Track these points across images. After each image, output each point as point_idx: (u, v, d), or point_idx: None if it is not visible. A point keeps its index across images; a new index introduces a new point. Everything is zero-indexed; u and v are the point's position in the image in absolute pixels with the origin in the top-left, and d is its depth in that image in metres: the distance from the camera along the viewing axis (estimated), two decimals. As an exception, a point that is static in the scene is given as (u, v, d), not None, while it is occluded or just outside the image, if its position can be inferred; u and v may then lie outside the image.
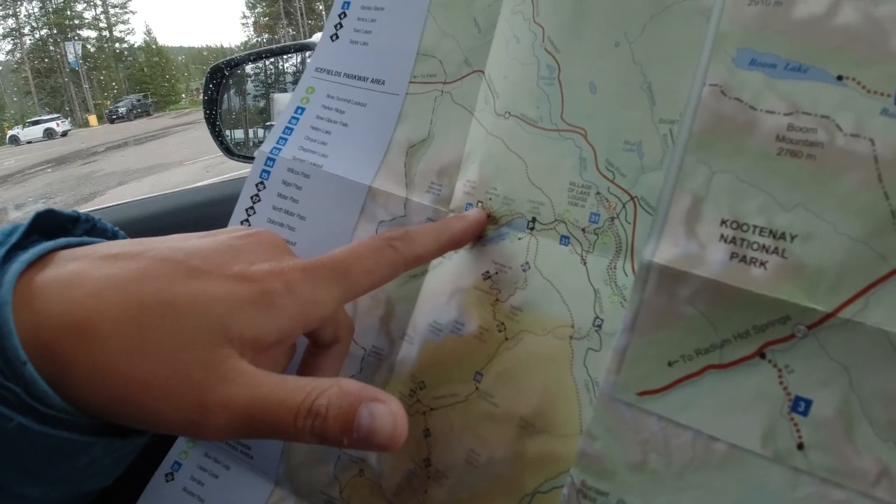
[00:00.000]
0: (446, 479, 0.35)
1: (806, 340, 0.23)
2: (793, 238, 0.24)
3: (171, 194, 0.82)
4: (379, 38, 0.44)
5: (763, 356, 0.24)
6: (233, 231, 0.30)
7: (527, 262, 0.34)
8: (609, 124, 0.33)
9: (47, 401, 0.23)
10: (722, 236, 0.25)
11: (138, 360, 0.23)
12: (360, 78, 0.44)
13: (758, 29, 0.26)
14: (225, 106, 1.00)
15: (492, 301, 0.35)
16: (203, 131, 0.96)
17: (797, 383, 0.24)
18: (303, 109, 0.45)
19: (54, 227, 0.29)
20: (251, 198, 0.43)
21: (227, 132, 1.01)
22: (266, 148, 0.44)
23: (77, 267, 0.25)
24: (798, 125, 0.24)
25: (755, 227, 0.24)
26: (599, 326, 0.31)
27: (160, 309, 0.24)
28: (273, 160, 0.44)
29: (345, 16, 0.45)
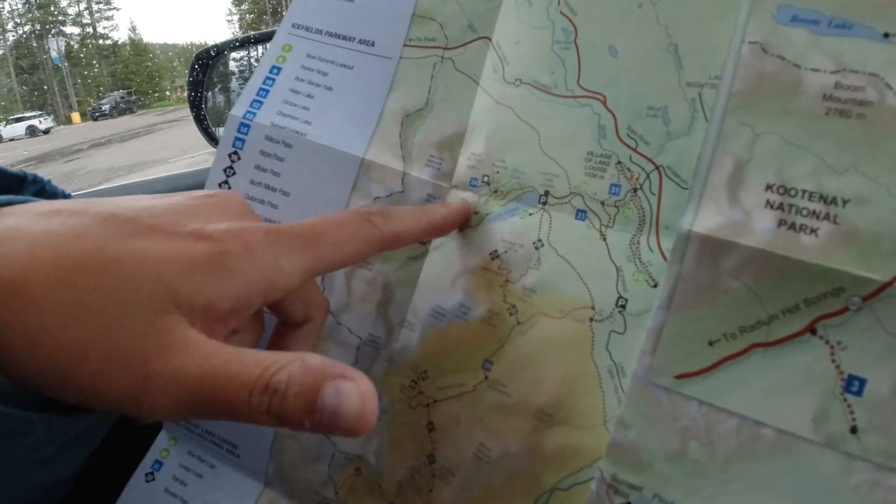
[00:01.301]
0: (453, 476, 0.32)
1: (861, 314, 0.21)
2: (845, 203, 0.21)
3: (154, 180, 0.80)
4: None
5: (814, 332, 0.22)
6: (192, 193, 0.27)
7: (540, 240, 0.32)
8: (631, 89, 0.30)
9: None
10: (768, 202, 0.23)
11: (74, 326, 0.21)
12: (345, 38, 0.40)
13: None
14: (210, 103, 0.98)
15: (501, 282, 0.33)
16: (187, 129, 0.94)
17: (850, 361, 0.21)
18: (279, 69, 0.40)
19: (0, 186, 0.26)
20: (224, 170, 0.39)
21: (213, 128, 0.98)
22: (238, 112, 0.40)
23: (13, 222, 0.22)
24: (846, 83, 0.22)
25: (804, 191, 0.22)
26: (623, 307, 0.29)
27: (100, 268, 0.21)
28: (248, 126, 0.39)
29: None
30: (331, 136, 0.38)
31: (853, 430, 0.21)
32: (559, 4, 0.33)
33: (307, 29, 0.41)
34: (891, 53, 0.22)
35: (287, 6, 0.47)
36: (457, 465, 0.32)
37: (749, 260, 0.23)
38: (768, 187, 0.23)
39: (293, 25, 0.41)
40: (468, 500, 0.32)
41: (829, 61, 0.23)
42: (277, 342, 0.32)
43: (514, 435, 0.30)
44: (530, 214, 0.33)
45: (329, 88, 0.39)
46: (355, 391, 0.21)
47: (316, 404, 0.20)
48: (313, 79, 0.39)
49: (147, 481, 0.41)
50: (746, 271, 0.23)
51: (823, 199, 0.22)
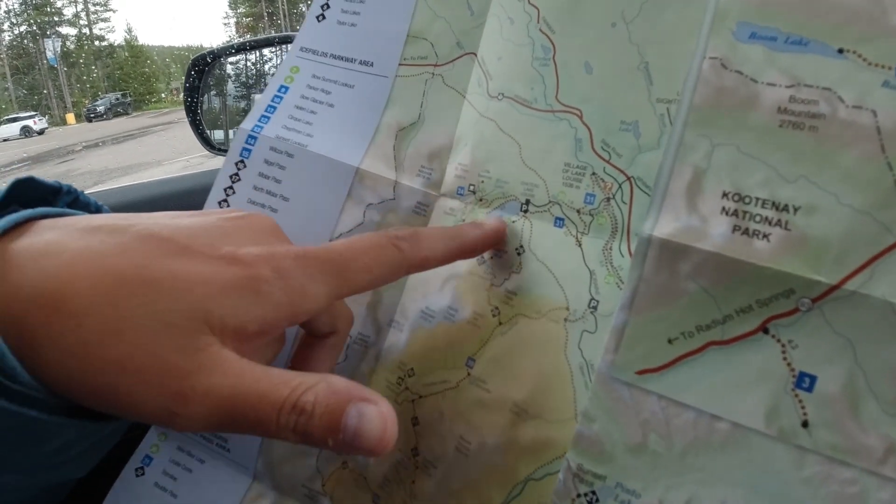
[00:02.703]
0: (435, 468, 0.34)
1: (810, 314, 0.23)
2: (796, 210, 0.23)
3: (155, 182, 0.81)
4: (367, 19, 0.42)
5: (766, 331, 0.24)
6: (225, 212, 0.28)
7: (521, 246, 0.34)
8: (605, 105, 0.32)
9: (16, 376, 0.21)
10: (724, 209, 0.24)
11: (114, 340, 0.22)
12: (347, 59, 0.42)
13: (758, 4, 0.25)
14: (206, 106, 0.99)
15: (486, 286, 0.34)
16: (182, 131, 0.94)
17: (801, 359, 0.23)
18: (286, 88, 0.43)
19: (35, 197, 0.28)
20: (230, 177, 0.42)
21: (209, 131, 0.99)
22: (247, 125, 0.42)
23: (54, 237, 0.23)
24: (800, 97, 0.24)
25: (757, 199, 0.24)
26: (595, 308, 0.30)
27: (139, 287, 0.22)
28: (255, 138, 0.42)
29: None
30: (330, 147, 0.40)
31: (804, 424, 0.23)
32: (538, 22, 0.35)
33: (314, 52, 0.43)
34: (844, 69, 0.23)
35: (283, 10, 0.48)
36: (439, 458, 0.34)
37: (705, 263, 0.24)
38: (724, 195, 0.24)
39: (301, 49, 0.44)
40: (448, 492, 0.33)
41: (784, 76, 0.24)
42: (303, 354, 0.33)
43: (491, 429, 0.32)
44: (513, 222, 0.34)
45: (331, 105, 0.42)
46: (377, 413, 0.22)
47: (340, 425, 0.22)
48: (317, 97, 0.42)
49: (137, 476, 0.42)
50: (703, 274, 0.24)
51: (776, 206, 0.24)
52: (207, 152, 1.01)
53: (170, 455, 0.43)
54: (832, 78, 0.24)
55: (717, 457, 0.24)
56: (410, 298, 0.38)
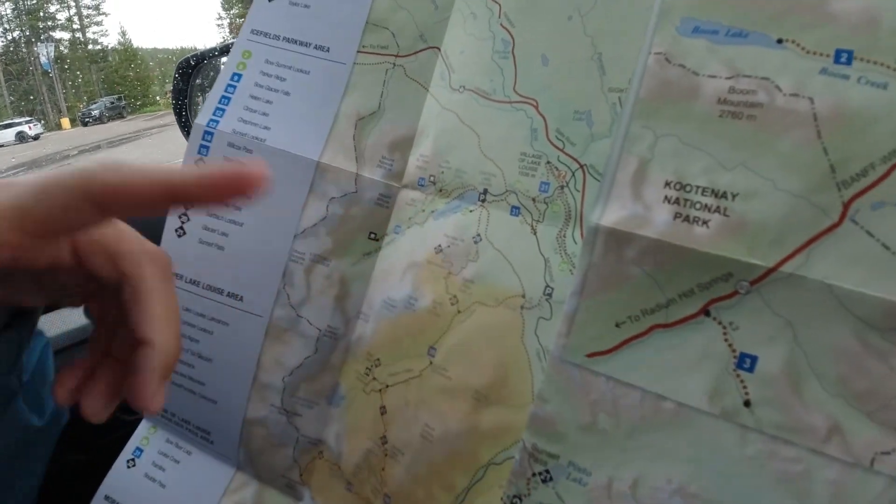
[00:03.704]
0: (402, 455, 0.35)
1: (749, 297, 0.23)
2: (734, 196, 0.24)
3: None
4: (322, 1, 0.42)
5: (707, 314, 0.24)
6: None
7: (478, 234, 0.34)
8: (560, 95, 0.33)
9: None
10: (666, 197, 0.25)
11: None
12: (301, 43, 0.42)
13: None
14: (200, 106, 0.99)
15: (444, 274, 0.35)
16: (177, 133, 0.94)
17: (742, 340, 0.24)
18: (239, 76, 0.42)
19: None
20: None
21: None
22: (202, 120, 0.42)
23: None
24: (739, 88, 0.25)
25: (698, 187, 0.24)
26: (550, 295, 0.31)
27: None
28: (211, 134, 0.42)
29: None
30: (288, 140, 0.40)
31: (747, 403, 0.24)
32: (499, 17, 0.36)
33: (265, 35, 0.43)
34: (783, 58, 0.24)
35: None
36: (406, 445, 0.34)
37: (648, 249, 0.25)
38: (667, 184, 0.25)
39: (252, 31, 0.43)
40: (415, 478, 0.34)
41: (725, 68, 0.25)
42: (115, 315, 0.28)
43: (454, 415, 0.33)
44: (471, 211, 0.35)
45: (287, 94, 0.41)
46: None
47: None
48: (272, 84, 0.42)
49: (128, 467, 0.43)
50: (646, 260, 0.25)
51: (715, 193, 0.24)
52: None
53: (159, 447, 0.44)
54: (771, 67, 0.24)
55: (663, 435, 0.25)
56: (375, 289, 0.38)
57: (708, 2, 0.26)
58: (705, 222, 0.24)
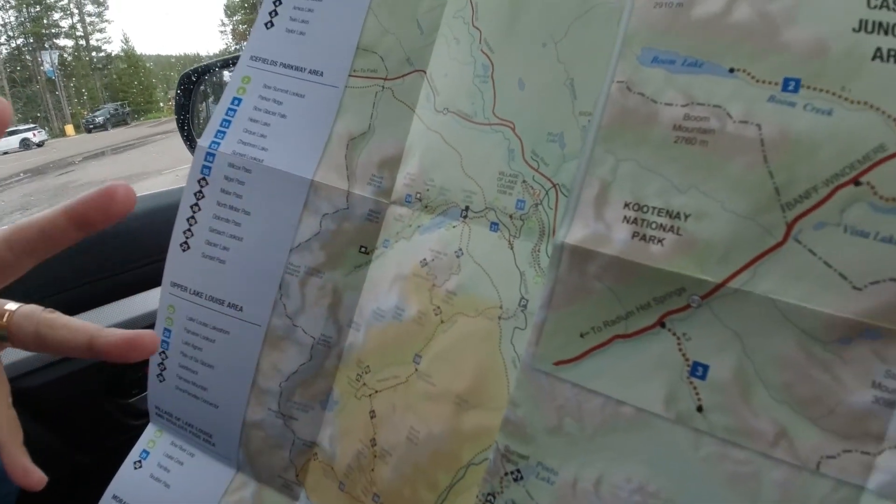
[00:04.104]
0: (390, 456, 0.37)
1: (700, 310, 0.26)
2: (686, 217, 0.26)
3: (140, 198, 0.83)
4: (316, 28, 0.44)
5: (663, 325, 0.26)
6: None
7: (460, 249, 0.36)
8: (535, 117, 0.35)
9: None
10: (625, 217, 0.27)
11: None
12: (297, 68, 0.44)
13: (661, 29, 0.28)
14: (204, 115, 1.01)
15: (429, 287, 0.37)
16: (180, 140, 0.96)
17: (695, 350, 0.26)
18: (239, 100, 0.45)
19: None
20: (195, 194, 0.44)
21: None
22: (204, 143, 0.44)
23: None
24: (693, 115, 0.27)
25: (654, 208, 0.27)
26: (524, 306, 0.33)
27: None
28: (213, 155, 0.44)
29: (280, 3, 0.45)
30: (284, 160, 0.42)
31: (699, 409, 0.26)
32: (480, 43, 0.38)
33: (263, 61, 0.45)
34: (734, 86, 0.26)
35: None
36: (393, 447, 0.37)
37: (609, 266, 0.27)
38: (626, 205, 0.27)
39: (251, 58, 0.45)
40: (402, 477, 0.36)
41: (680, 96, 0.27)
42: None
43: (437, 419, 0.35)
44: (453, 227, 0.37)
45: (283, 116, 0.43)
46: None
47: None
48: (269, 108, 0.44)
49: (135, 468, 0.46)
50: (607, 275, 0.27)
51: (669, 214, 0.26)
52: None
53: (164, 449, 0.46)
54: (723, 95, 0.26)
55: (623, 438, 0.27)
56: (365, 299, 0.40)
57: (666, 32, 0.28)
58: (660, 241, 0.26)
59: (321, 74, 0.44)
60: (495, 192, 0.36)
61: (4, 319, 0.32)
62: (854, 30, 0.25)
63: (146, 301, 0.76)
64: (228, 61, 0.99)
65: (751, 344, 0.25)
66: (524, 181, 0.34)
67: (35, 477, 0.30)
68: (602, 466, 0.27)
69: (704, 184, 0.26)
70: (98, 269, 0.76)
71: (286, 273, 0.42)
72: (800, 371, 0.24)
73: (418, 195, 0.39)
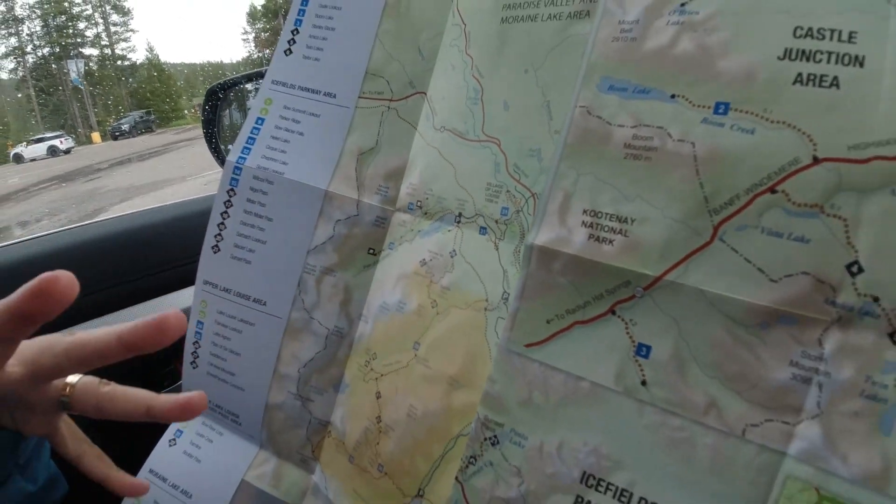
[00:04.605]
0: (393, 431, 0.42)
1: (643, 299, 0.31)
2: (632, 221, 0.31)
3: (151, 210, 0.90)
4: (329, 55, 0.50)
5: (614, 313, 0.31)
6: None
7: (454, 250, 0.42)
8: (517, 135, 0.40)
9: None
10: (583, 222, 0.32)
11: None
12: (313, 91, 0.50)
13: (617, 61, 0.33)
14: (227, 122, 1.06)
15: (427, 283, 0.43)
16: (204, 147, 1.01)
17: (639, 333, 0.31)
18: (262, 120, 0.51)
19: None
20: (224, 203, 0.50)
21: (230, 147, 1.06)
22: (233, 158, 0.50)
23: None
24: (640, 135, 0.32)
25: (607, 214, 0.32)
26: (506, 299, 0.38)
27: None
28: (240, 169, 0.50)
29: (297, 32, 0.51)
30: (302, 173, 0.48)
31: (643, 383, 0.31)
32: (472, 69, 0.43)
33: (283, 84, 0.51)
34: (674, 110, 0.31)
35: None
36: (395, 423, 0.42)
37: (569, 263, 0.32)
38: (584, 212, 0.32)
39: (272, 82, 0.51)
40: (403, 449, 0.41)
41: (630, 119, 0.32)
42: None
43: (432, 398, 0.40)
44: (448, 231, 0.43)
45: (301, 134, 0.49)
46: None
47: None
48: (289, 126, 0.50)
49: (170, 446, 0.52)
50: (568, 271, 0.32)
51: (619, 219, 0.31)
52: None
53: (196, 429, 0.52)
54: (665, 118, 0.31)
55: (580, 409, 0.32)
56: (373, 296, 0.46)
57: (621, 64, 0.33)
58: (611, 241, 0.31)
59: (334, 96, 0.49)
60: (484, 201, 0.41)
61: (67, 391, 0.39)
62: (779, 57, 0.29)
63: (178, 299, 0.82)
64: (251, 76, 1.05)
65: (685, 328, 0.30)
66: (508, 191, 0.40)
67: (133, 484, 0.41)
68: (563, 433, 0.32)
69: (647, 193, 0.31)
70: (135, 270, 0.82)
71: (304, 272, 0.48)
72: (727, 351, 0.29)
73: (419, 203, 0.45)
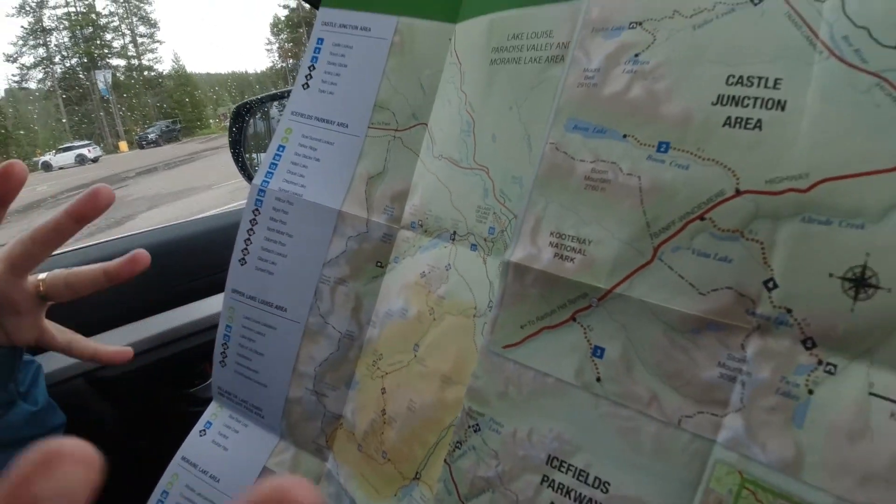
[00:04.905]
0: (395, 422, 0.48)
1: (598, 309, 0.36)
2: (589, 243, 0.37)
3: (182, 224, 0.96)
4: (342, 89, 0.56)
5: (574, 320, 0.37)
6: None
7: (449, 264, 0.48)
8: (503, 164, 0.46)
9: None
10: (550, 243, 0.38)
11: None
12: (327, 121, 0.56)
13: (580, 103, 0.39)
14: (251, 130, 1.11)
15: (426, 293, 0.48)
16: (229, 156, 1.07)
17: (595, 337, 0.36)
18: (283, 147, 0.57)
19: None
20: (250, 221, 0.57)
21: (254, 155, 1.11)
22: (257, 181, 0.57)
23: None
24: (597, 169, 0.37)
25: (569, 236, 0.37)
26: (491, 308, 0.44)
27: None
28: (264, 191, 0.56)
29: (314, 68, 0.58)
30: (318, 195, 0.55)
31: (598, 379, 0.36)
32: (465, 104, 0.49)
33: (301, 115, 0.57)
34: (625, 148, 0.36)
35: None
36: (397, 415, 0.48)
37: (538, 277, 0.38)
38: (551, 234, 0.38)
39: (292, 113, 0.58)
40: (403, 438, 0.47)
41: (590, 155, 0.37)
42: None
43: (429, 393, 0.46)
44: (444, 247, 0.48)
45: (317, 160, 0.56)
46: None
47: None
48: (306, 153, 0.56)
49: (200, 436, 0.58)
50: (538, 284, 0.38)
51: (579, 240, 0.37)
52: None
53: (224, 421, 0.59)
54: (617, 154, 0.36)
55: (547, 401, 0.38)
56: (380, 303, 0.52)
57: (583, 107, 0.38)
58: (572, 259, 0.37)
59: (346, 126, 0.55)
60: (474, 221, 0.47)
61: (42, 286, 0.50)
62: (713, 103, 0.33)
63: (207, 304, 0.89)
64: (273, 96, 1.11)
65: (632, 333, 0.35)
66: (494, 213, 0.46)
67: (117, 351, 0.53)
68: (533, 421, 0.38)
69: (601, 219, 0.36)
70: (169, 278, 0.89)
71: (320, 282, 0.54)
72: (665, 353, 0.34)
73: (420, 222, 0.51)
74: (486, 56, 0.48)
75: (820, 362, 0.30)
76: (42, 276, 0.51)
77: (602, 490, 0.35)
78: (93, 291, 0.52)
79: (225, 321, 0.58)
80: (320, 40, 0.58)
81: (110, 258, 0.51)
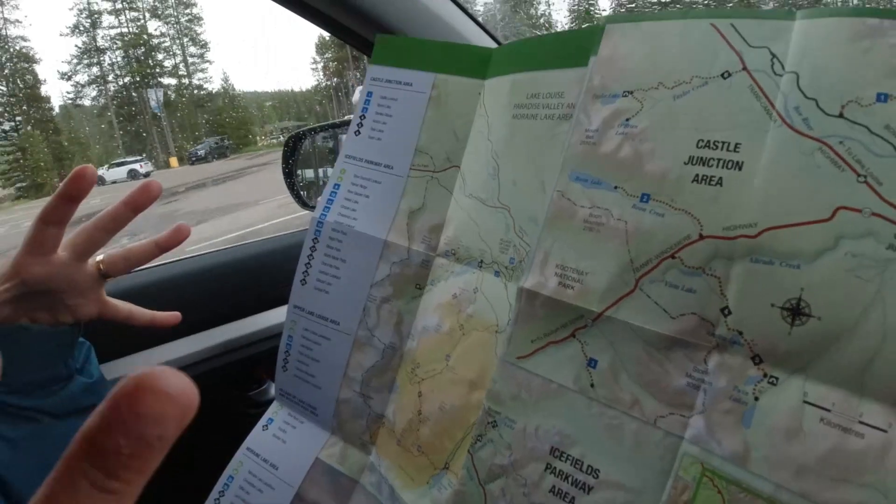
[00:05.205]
0: (429, 421, 0.57)
1: (592, 327, 0.44)
2: (586, 274, 0.45)
3: (248, 244, 1.05)
4: (388, 136, 0.65)
5: (574, 336, 0.45)
6: None
7: (476, 288, 0.56)
8: (522, 205, 0.54)
9: None
10: (555, 273, 0.46)
11: None
12: (376, 163, 0.65)
13: (581, 159, 0.47)
14: (302, 157, 1.19)
15: (457, 312, 0.57)
16: (275, 172, 1.11)
17: (590, 350, 0.44)
18: (339, 185, 0.66)
19: None
20: (310, 248, 0.66)
21: (299, 172, 1.19)
22: (317, 215, 0.66)
23: None
24: (594, 213, 0.45)
25: (570, 268, 0.46)
26: (510, 325, 0.53)
27: None
28: (322, 223, 0.66)
29: (364, 117, 0.67)
30: (367, 226, 0.64)
31: (592, 385, 0.43)
32: (492, 152, 0.58)
33: (354, 158, 0.67)
34: (615, 197, 0.44)
35: (364, 56, 0.74)
36: (431, 414, 0.56)
37: (546, 301, 0.46)
38: (556, 265, 0.46)
39: (346, 156, 0.67)
40: (435, 434, 0.55)
41: (588, 202, 0.45)
42: None
43: (458, 396, 0.54)
44: (473, 273, 0.57)
45: (367, 196, 0.65)
46: None
47: None
48: (358, 191, 0.65)
49: (263, 430, 0.68)
50: (545, 306, 0.46)
51: (578, 272, 0.45)
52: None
53: (283, 418, 0.68)
54: (609, 202, 0.44)
55: (551, 402, 0.45)
56: (418, 320, 0.61)
57: (584, 161, 0.46)
58: (572, 287, 0.45)
59: (392, 168, 0.64)
60: (498, 252, 0.55)
61: (102, 266, 0.61)
62: (685, 162, 0.40)
63: (268, 316, 0.99)
64: (325, 126, 1.20)
65: (618, 348, 0.42)
66: (514, 245, 0.54)
67: (169, 315, 0.64)
68: (539, 419, 0.46)
69: (596, 255, 0.44)
70: (237, 292, 0.99)
71: (368, 301, 0.63)
72: (645, 365, 0.40)
73: (453, 251, 0.60)
74: (508, 111, 0.56)
75: (765, 375, 0.36)
76: (100, 256, 0.61)
77: (593, 476, 0.43)
78: (148, 261, 0.63)
79: (287, 332, 0.67)
80: (370, 94, 0.67)
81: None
